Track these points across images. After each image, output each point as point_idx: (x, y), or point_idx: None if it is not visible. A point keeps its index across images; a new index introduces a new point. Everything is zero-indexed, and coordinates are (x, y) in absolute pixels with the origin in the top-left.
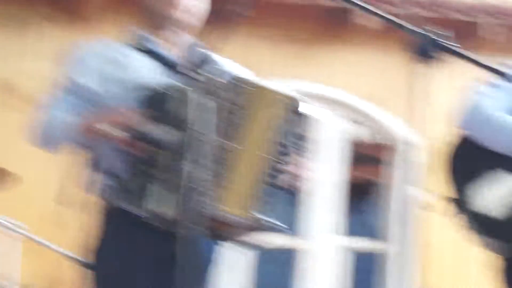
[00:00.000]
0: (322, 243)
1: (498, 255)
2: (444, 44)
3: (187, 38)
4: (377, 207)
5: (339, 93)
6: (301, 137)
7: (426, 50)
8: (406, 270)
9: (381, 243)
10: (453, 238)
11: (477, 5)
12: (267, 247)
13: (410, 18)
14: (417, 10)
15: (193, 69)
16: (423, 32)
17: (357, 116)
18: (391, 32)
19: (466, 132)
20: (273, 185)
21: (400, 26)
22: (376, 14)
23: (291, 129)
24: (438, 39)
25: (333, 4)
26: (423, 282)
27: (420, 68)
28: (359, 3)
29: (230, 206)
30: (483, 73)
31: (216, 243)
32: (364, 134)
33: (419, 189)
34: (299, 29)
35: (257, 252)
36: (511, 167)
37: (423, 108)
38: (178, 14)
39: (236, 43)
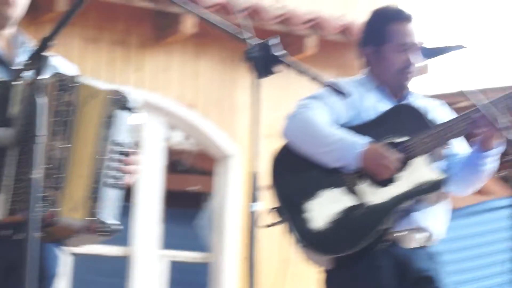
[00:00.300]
0: (144, 253)
1: (320, 267)
2: (275, 55)
3: (12, 31)
4: (201, 217)
5: (161, 100)
6: (130, 135)
7: (255, 61)
8: (229, 281)
9: (204, 254)
10: (277, 249)
11: (293, 17)
12: (91, 253)
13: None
14: (233, 18)
15: (20, 64)
16: (253, 43)
17: (180, 125)
18: (219, 41)
19: (288, 142)
20: (109, 185)
21: (231, 34)
22: (206, 21)
23: (121, 127)
24: (270, 50)
25: (159, 8)
26: None
27: (246, 79)
28: (190, 9)
29: (66, 209)
30: (309, 85)
31: (58, 254)
32: (186, 143)
33: (243, 201)
34: (122, 32)
35: (77, 259)
36: (329, 178)
37: (247, 118)
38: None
39: (59, 41)
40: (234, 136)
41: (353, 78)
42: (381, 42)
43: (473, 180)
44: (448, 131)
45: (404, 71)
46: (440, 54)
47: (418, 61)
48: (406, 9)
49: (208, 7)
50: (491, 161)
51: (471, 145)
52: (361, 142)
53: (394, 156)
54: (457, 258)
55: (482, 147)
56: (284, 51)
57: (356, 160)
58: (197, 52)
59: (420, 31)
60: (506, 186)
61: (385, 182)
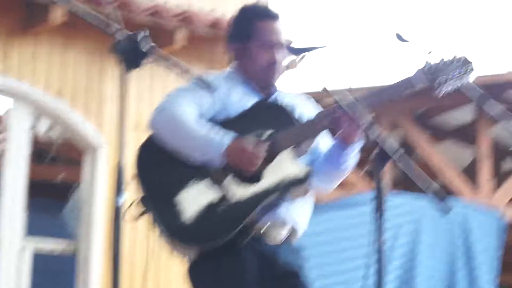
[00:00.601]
0: (8, 243)
1: (184, 258)
2: (143, 48)
3: None
4: (68, 208)
5: (28, 89)
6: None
7: (123, 53)
8: (95, 272)
9: (71, 244)
10: (142, 240)
11: (163, 10)
12: None
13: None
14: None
15: None
16: (121, 35)
17: (47, 114)
18: (88, 32)
19: (154, 134)
20: None
21: (100, 26)
22: (76, 12)
23: None
24: (138, 43)
25: None
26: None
27: (114, 70)
28: None
29: None
30: (177, 78)
31: None
32: (54, 133)
33: (110, 192)
34: None
35: None
36: (196, 172)
37: (115, 110)
38: None
39: None
40: (102, 127)
41: (222, 73)
42: (247, 39)
43: (334, 175)
44: (312, 126)
45: (269, 68)
46: (303, 52)
47: (283, 59)
48: (274, 8)
49: None
50: (352, 157)
51: (334, 140)
52: (226, 137)
53: (258, 151)
54: (321, 251)
55: (343, 143)
56: (153, 44)
57: (220, 155)
58: (66, 42)
59: (288, 30)
60: (369, 181)
61: (251, 176)
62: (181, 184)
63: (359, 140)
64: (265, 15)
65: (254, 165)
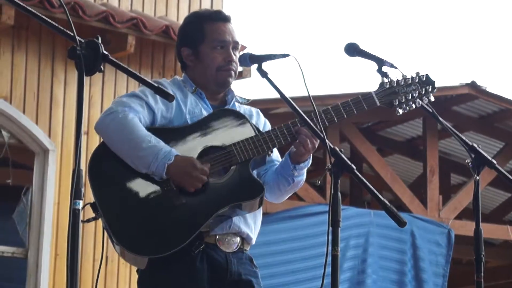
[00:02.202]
0: None
1: (135, 267)
2: (101, 53)
3: None
4: (18, 211)
5: None
6: None
7: (81, 58)
8: (44, 277)
9: (22, 249)
10: (94, 246)
11: (115, 15)
12: None
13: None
14: (55, 13)
15: None
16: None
17: None
18: (38, 35)
19: (102, 137)
20: None
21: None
22: (30, 15)
23: None
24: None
25: None
26: None
27: (64, 74)
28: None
29: None
30: (128, 83)
31: None
32: (3, 136)
33: (58, 197)
34: None
35: None
36: (147, 180)
37: (65, 114)
38: None
39: None
40: (52, 131)
41: (173, 80)
42: (198, 42)
43: (286, 189)
44: (270, 139)
45: (224, 68)
46: (264, 61)
47: (236, 60)
48: (226, 11)
49: (29, 0)
50: (304, 172)
51: (287, 154)
52: (169, 154)
53: (202, 172)
54: (272, 262)
55: (295, 158)
56: (105, 52)
57: (162, 171)
58: (15, 44)
59: (244, 36)
60: (320, 192)
61: (203, 187)
62: (132, 191)
63: (309, 158)
64: (217, 17)
65: (196, 187)
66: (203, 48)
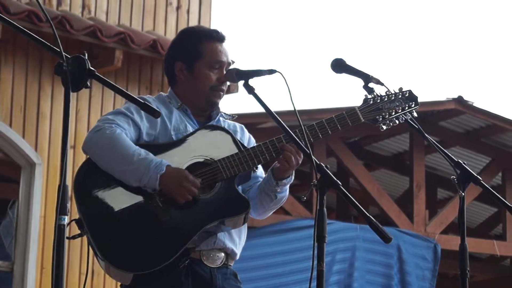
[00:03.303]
0: None
1: (121, 282)
2: (87, 69)
3: None
4: (3, 225)
5: None
6: None
7: (68, 74)
8: None
9: (7, 262)
10: (79, 261)
11: (103, 29)
12: None
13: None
14: (43, 27)
15: None
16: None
17: None
18: (25, 49)
19: (90, 156)
20: None
21: (44, 45)
22: (17, 29)
23: None
24: (83, 64)
25: None
26: None
27: (50, 88)
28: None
29: None
30: (114, 98)
31: None
32: None
33: (44, 211)
34: None
35: None
36: (133, 195)
37: (51, 128)
38: None
39: None
40: (38, 145)
41: (158, 96)
42: (194, 59)
43: (269, 206)
44: (255, 155)
45: (216, 88)
46: (251, 77)
47: (229, 80)
48: (220, 30)
49: (16, 14)
50: (285, 189)
51: (271, 171)
52: (161, 165)
53: (194, 185)
54: (256, 276)
55: (278, 174)
56: (92, 68)
57: (155, 182)
58: (2, 58)
59: (233, 53)
60: (308, 207)
61: (190, 202)
62: (117, 206)
63: (293, 172)
64: (214, 36)
65: (187, 199)
66: (199, 65)
